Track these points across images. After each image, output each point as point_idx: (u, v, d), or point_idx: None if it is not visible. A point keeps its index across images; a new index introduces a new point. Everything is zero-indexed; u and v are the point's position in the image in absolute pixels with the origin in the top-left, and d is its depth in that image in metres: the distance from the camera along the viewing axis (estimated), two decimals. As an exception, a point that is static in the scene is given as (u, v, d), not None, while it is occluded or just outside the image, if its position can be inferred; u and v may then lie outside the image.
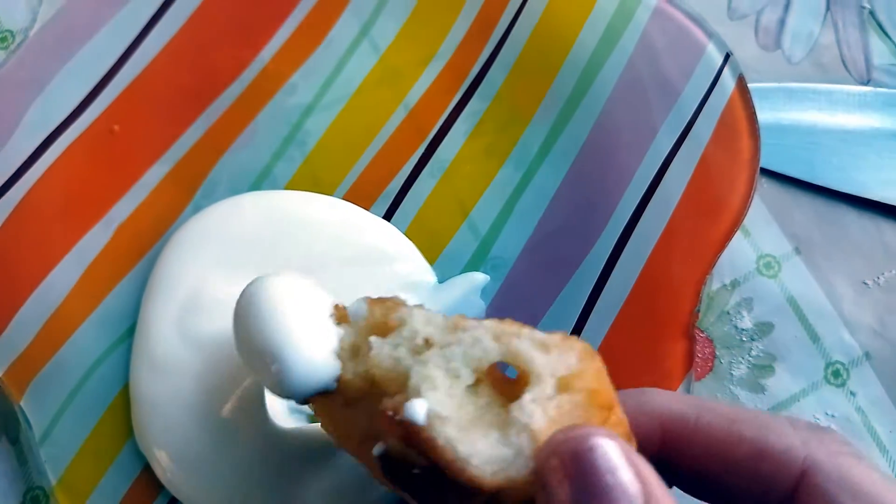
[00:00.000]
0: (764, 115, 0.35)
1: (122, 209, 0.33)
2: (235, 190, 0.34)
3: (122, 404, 0.31)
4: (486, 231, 0.33)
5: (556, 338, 0.21)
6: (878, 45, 0.37)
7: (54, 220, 0.33)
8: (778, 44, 0.37)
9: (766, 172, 0.35)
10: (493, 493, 0.20)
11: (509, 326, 0.22)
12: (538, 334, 0.22)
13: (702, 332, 0.33)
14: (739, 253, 0.34)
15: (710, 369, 0.33)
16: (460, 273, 0.33)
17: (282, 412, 0.29)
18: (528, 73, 0.35)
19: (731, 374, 0.33)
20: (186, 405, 0.29)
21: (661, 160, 0.33)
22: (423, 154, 0.34)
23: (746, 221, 0.33)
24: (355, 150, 0.34)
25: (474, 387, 0.22)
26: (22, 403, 0.31)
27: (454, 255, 0.33)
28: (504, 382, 0.22)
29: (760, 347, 0.33)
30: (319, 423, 0.29)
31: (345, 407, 0.24)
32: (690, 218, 0.32)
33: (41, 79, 0.34)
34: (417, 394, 0.21)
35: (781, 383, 0.33)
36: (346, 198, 0.33)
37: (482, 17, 0.35)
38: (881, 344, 0.33)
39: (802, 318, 0.33)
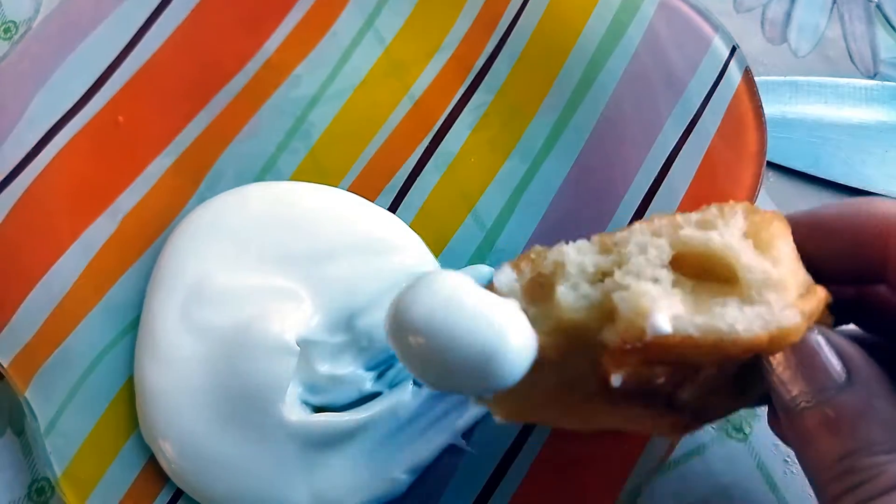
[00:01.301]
0: (770, 109, 0.35)
1: (127, 200, 0.33)
2: (240, 181, 0.34)
3: (128, 396, 0.31)
4: (492, 223, 0.33)
5: (710, 212, 0.22)
6: (884, 39, 0.37)
7: (59, 210, 0.33)
8: (784, 37, 0.37)
9: (772, 166, 0.35)
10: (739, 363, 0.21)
11: (650, 225, 0.22)
12: (692, 216, 0.22)
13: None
14: (745, 246, 0.34)
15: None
16: (465, 265, 0.32)
17: (290, 402, 0.29)
18: (533, 66, 0.35)
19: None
20: (191, 396, 0.29)
21: (667, 153, 0.33)
22: (429, 146, 0.34)
23: (752, 215, 0.33)
24: (360, 142, 0.34)
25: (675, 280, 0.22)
26: (27, 394, 0.31)
27: (459, 248, 0.33)
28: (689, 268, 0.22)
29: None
30: (326, 413, 0.29)
31: (533, 376, 0.22)
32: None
33: (45, 70, 0.34)
34: (644, 311, 0.21)
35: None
36: (350, 190, 0.33)
37: (487, 9, 0.35)
38: (886, 338, 0.33)
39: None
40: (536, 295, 0.23)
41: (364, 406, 0.30)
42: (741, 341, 0.20)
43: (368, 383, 0.30)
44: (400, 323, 0.22)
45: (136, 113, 0.34)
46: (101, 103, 0.34)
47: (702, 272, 0.22)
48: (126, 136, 0.34)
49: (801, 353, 0.21)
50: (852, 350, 0.21)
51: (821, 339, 0.21)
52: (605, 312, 0.22)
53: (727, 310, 0.21)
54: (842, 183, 0.35)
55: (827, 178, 0.35)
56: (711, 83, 0.33)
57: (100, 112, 0.34)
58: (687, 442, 0.31)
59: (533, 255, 0.24)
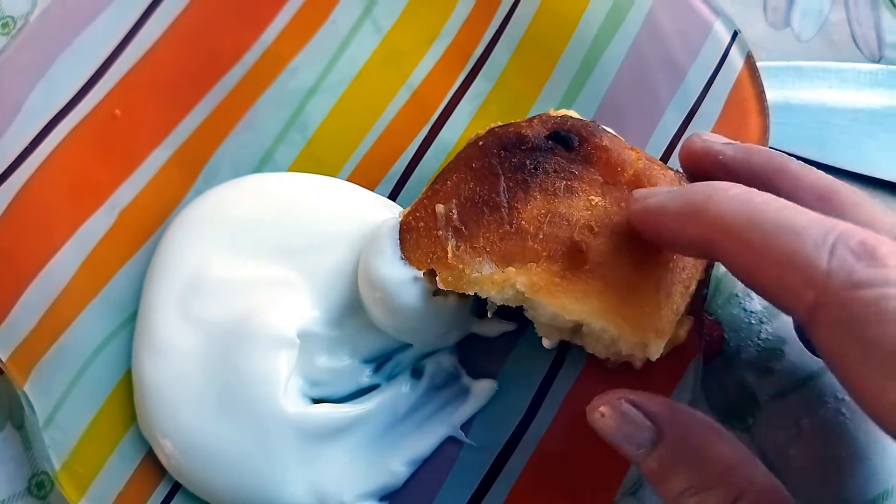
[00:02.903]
0: (773, 94, 0.34)
1: (125, 194, 0.33)
2: (238, 173, 0.33)
3: (125, 389, 0.31)
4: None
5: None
6: (889, 22, 0.36)
7: (57, 204, 0.33)
8: (787, 22, 0.37)
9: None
10: None
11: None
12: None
13: (710, 314, 0.32)
14: (748, 234, 0.34)
15: (719, 352, 0.32)
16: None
17: (289, 394, 0.29)
18: (532, 53, 0.34)
19: (740, 358, 0.33)
20: (189, 389, 0.29)
21: (668, 139, 0.32)
22: (427, 136, 0.34)
23: (755, 202, 0.33)
24: (358, 132, 0.34)
25: None
26: (26, 388, 0.31)
27: (458, 238, 0.33)
28: None
29: (769, 330, 0.33)
30: (325, 405, 0.29)
31: None
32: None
33: (42, 64, 0.34)
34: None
35: (791, 366, 0.32)
36: (349, 180, 0.33)
37: (485, -4, 0.35)
38: (893, 325, 0.33)
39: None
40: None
41: (362, 398, 0.30)
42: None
43: (366, 376, 0.30)
44: (364, 278, 0.27)
45: (133, 106, 0.34)
46: (99, 97, 0.34)
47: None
48: (123, 130, 0.34)
49: (621, 418, 0.26)
50: (660, 408, 0.25)
51: (628, 407, 0.26)
52: None
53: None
54: (847, 168, 0.34)
55: (831, 164, 0.34)
56: (713, 69, 0.33)
57: (97, 105, 0.34)
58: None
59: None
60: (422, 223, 0.28)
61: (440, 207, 0.28)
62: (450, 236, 0.28)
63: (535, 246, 0.27)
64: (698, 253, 0.25)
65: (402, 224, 0.29)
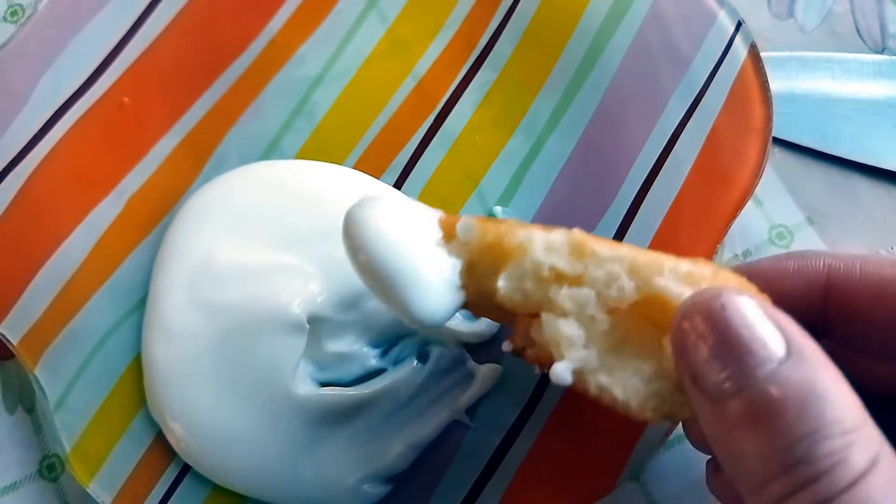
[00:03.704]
0: (777, 85, 0.35)
1: (133, 181, 0.34)
2: (245, 161, 0.34)
3: (135, 373, 0.31)
4: (496, 201, 0.33)
5: (706, 271, 0.20)
6: (893, 13, 0.36)
7: (66, 192, 0.33)
8: (791, 12, 0.37)
9: (778, 142, 0.35)
10: None
11: (644, 255, 0.21)
12: (683, 265, 0.20)
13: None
14: (751, 223, 0.34)
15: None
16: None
17: (299, 378, 0.29)
18: (537, 43, 0.34)
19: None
20: (199, 373, 0.29)
21: (672, 129, 0.32)
22: (432, 125, 0.34)
23: (759, 191, 0.33)
24: (364, 121, 0.34)
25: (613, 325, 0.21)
26: (36, 372, 0.31)
27: (463, 226, 0.33)
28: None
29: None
30: (332, 388, 0.29)
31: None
32: (701, 188, 0.32)
33: (50, 52, 0.34)
34: (558, 353, 0.21)
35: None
36: (355, 168, 0.33)
37: (491, -14, 0.35)
38: (894, 314, 0.33)
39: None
40: (487, 255, 0.23)
41: (369, 382, 0.30)
42: (630, 413, 0.21)
43: (373, 360, 0.30)
44: (348, 238, 0.24)
45: (141, 94, 0.34)
46: (107, 85, 0.34)
47: (646, 316, 0.21)
48: (131, 118, 0.34)
49: (728, 323, 0.18)
50: (789, 321, 0.18)
51: (753, 306, 0.18)
52: (532, 305, 0.22)
53: (633, 380, 0.20)
54: (849, 158, 0.34)
55: (834, 154, 0.35)
56: (716, 59, 0.33)
57: (105, 94, 0.34)
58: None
59: (504, 228, 0.23)
60: None
61: None
62: None
63: None
64: None
65: None
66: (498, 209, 0.33)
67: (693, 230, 0.31)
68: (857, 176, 0.34)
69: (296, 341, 0.29)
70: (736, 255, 0.34)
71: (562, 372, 0.21)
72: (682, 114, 0.33)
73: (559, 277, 0.22)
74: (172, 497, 0.30)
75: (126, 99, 0.34)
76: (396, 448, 0.29)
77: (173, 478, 0.30)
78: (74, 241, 0.33)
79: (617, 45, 0.34)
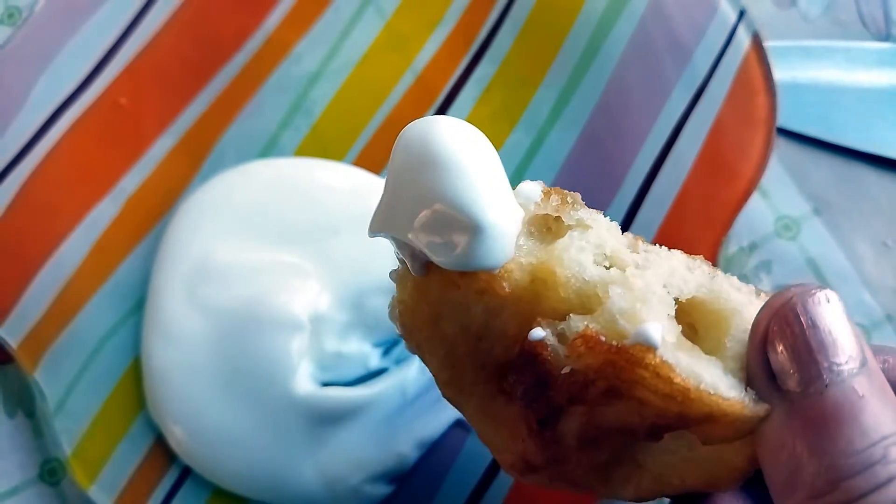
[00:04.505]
0: (780, 75, 0.34)
1: (131, 181, 0.33)
2: (243, 160, 0.33)
3: (134, 375, 0.31)
4: (497, 197, 0.33)
5: (748, 288, 0.21)
6: (897, 0, 0.36)
7: (64, 193, 0.33)
8: (793, 1, 0.37)
9: (783, 132, 0.34)
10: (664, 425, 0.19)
11: (691, 260, 0.21)
12: (733, 278, 0.21)
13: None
14: (757, 215, 0.33)
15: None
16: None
17: (300, 378, 0.29)
18: (537, 36, 0.34)
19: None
20: (199, 374, 0.29)
21: (675, 121, 0.32)
22: (432, 120, 0.34)
23: (764, 182, 0.33)
24: (363, 117, 0.34)
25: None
26: (36, 375, 0.31)
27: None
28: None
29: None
30: (331, 389, 0.29)
31: (462, 299, 0.20)
32: (705, 180, 0.31)
33: (47, 54, 0.34)
34: (636, 317, 0.19)
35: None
36: (355, 164, 0.33)
37: (489, -21, 0.35)
38: (902, 305, 0.32)
39: (822, 280, 0.33)
40: (538, 229, 0.21)
41: (371, 382, 0.30)
42: (709, 401, 0.18)
43: (375, 359, 0.30)
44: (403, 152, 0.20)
45: (138, 94, 0.34)
46: (104, 85, 0.34)
47: (695, 326, 0.21)
48: (128, 118, 0.34)
49: (816, 323, 0.18)
50: (855, 328, 0.19)
51: (841, 310, 0.19)
52: (583, 297, 0.20)
53: (712, 368, 0.19)
54: (854, 148, 0.34)
55: (840, 144, 0.34)
56: (719, 49, 0.32)
57: (102, 94, 0.34)
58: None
59: (569, 199, 0.21)
60: None
61: None
62: None
63: None
64: None
65: None
66: None
67: (698, 223, 0.31)
68: (863, 165, 0.34)
69: (296, 341, 0.29)
70: (742, 248, 0.33)
71: (652, 331, 0.18)
72: (685, 105, 0.32)
73: (612, 265, 0.20)
74: (173, 500, 0.30)
75: (123, 99, 0.34)
76: (399, 448, 0.29)
77: (174, 480, 0.30)
78: (72, 242, 0.32)
79: (618, 36, 0.33)
